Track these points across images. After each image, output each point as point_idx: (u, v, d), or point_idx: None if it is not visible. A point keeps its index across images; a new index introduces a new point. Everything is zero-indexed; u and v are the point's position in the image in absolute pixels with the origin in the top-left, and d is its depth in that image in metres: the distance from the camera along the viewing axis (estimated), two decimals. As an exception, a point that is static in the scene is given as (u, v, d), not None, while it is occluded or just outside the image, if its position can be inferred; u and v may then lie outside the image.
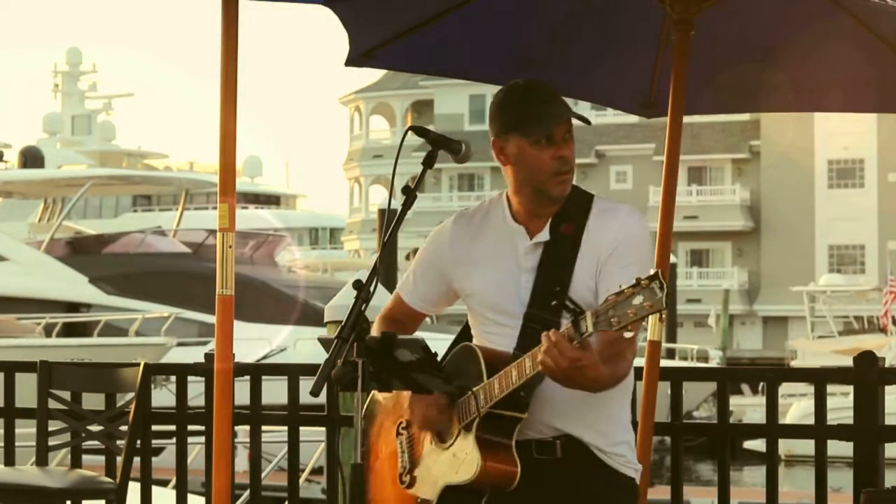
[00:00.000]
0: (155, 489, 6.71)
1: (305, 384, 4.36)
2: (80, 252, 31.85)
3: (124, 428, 6.14)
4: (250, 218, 58.23)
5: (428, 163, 3.99)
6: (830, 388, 5.83)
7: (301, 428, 6.27)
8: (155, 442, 6.60)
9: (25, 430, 6.84)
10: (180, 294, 29.62)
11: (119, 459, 6.14)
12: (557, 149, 4.03)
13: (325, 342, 3.84)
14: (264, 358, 23.21)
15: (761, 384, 40.08)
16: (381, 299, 4.28)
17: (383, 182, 75.06)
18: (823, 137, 66.50)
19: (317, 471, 15.18)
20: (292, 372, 6.18)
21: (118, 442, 6.19)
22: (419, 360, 3.77)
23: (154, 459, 6.59)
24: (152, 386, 6.43)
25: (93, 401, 6.50)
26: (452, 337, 4.18)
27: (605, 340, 3.79)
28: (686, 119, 5.31)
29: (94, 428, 6.31)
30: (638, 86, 5.49)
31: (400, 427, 4.10)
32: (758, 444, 27.69)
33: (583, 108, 77.37)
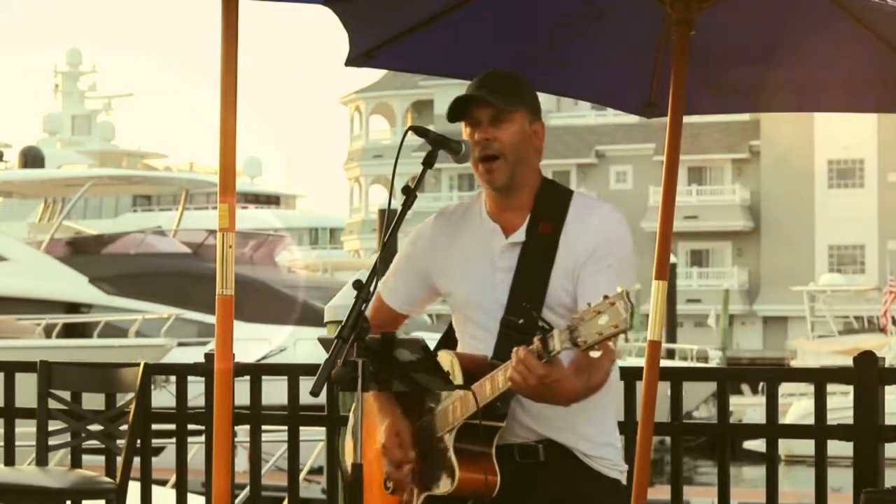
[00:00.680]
0: (155, 489, 6.71)
1: (305, 384, 4.36)
2: (80, 252, 31.85)
3: (124, 428, 6.14)
4: (250, 218, 58.25)
5: (428, 163, 3.98)
6: (830, 388, 5.83)
7: (301, 428, 6.27)
8: (155, 442, 6.60)
9: (25, 430, 6.84)
10: (180, 294, 29.62)
11: (119, 459, 6.14)
12: (481, 131, 3.98)
13: (325, 342, 3.84)
14: (264, 358, 23.20)
15: (761, 384, 40.09)
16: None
17: (383, 182, 75.09)
18: (823, 137, 66.51)
19: (316, 471, 15.19)
20: (292, 372, 6.18)
21: (118, 442, 6.20)
22: (419, 360, 3.77)
23: (154, 459, 6.59)
24: (152, 386, 6.43)
25: (93, 401, 6.51)
26: None
27: (579, 353, 3.74)
28: (686, 119, 5.31)
29: (94, 428, 6.31)
30: (638, 86, 5.48)
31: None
32: (758, 444, 27.68)
33: (583, 107, 77.36)
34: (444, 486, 3.88)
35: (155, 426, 6.55)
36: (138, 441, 6.21)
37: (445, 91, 70.01)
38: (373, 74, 72.64)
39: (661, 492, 7.91)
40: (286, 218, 66.90)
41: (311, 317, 28.08)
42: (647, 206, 66.15)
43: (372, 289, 3.77)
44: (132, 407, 6.13)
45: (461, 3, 5.07)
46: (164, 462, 9.19)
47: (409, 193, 3.92)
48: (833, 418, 5.56)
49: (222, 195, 4.48)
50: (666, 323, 11.64)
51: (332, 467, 6.36)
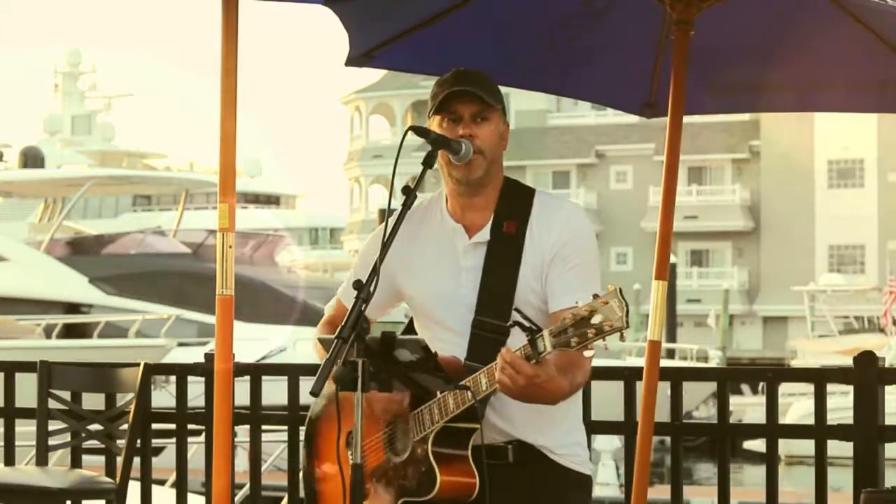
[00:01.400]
0: (155, 489, 6.71)
1: (305, 384, 4.35)
2: (80, 252, 31.83)
3: (124, 428, 6.14)
4: (250, 218, 58.23)
5: (428, 163, 3.98)
6: (830, 388, 5.83)
7: (301, 428, 6.27)
8: (155, 442, 6.60)
9: (25, 430, 6.84)
10: (180, 294, 29.61)
11: (119, 459, 6.14)
12: (464, 127, 3.98)
13: (325, 342, 3.84)
14: (264, 358, 23.19)
15: (761, 384, 40.09)
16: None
17: (383, 182, 75.06)
18: (823, 137, 66.50)
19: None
20: (292, 372, 6.18)
21: (118, 442, 6.19)
22: (419, 360, 3.76)
23: (154, 459, 6.59)
24: (152, 387, 6.43)
25: (93, 401, 6.51)
26: None
27: (560, 352, 3.74)
28: (686, 119, 5.31)
29: (94, 428, 6.31)
30: (638, 86, 5.49)
31: (349, 436, 3.98)
32: (758, 444, 27.68)
33: (583, 107, 77.26)
34: (424, 491, 3.87)
35: (155, 426, 6.55)
36: (138, 441, 6.21)
37: (445, 91, 69.80)
38: (373, 74, 72.63)
39: (661, 492, 7.91)
40: (286, 218, 66.87)
41: (311, 317, 28.06)
42: (647, 206, 66.14)
43: (372, 289, 3.77)
44: (132, 407, 6.13)
45: (461, 3, 5.07)
46: (164, 462, 9.19)
47: (409, 193, 3.91)
48: (833, 418, 5.55)
49: (222, 195, 4.48)
50: (666, 323, 11.65)
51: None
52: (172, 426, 6.50)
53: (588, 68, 5.44)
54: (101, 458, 6.46)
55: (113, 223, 57.64)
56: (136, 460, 6.25)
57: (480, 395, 3.80)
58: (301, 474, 4.27)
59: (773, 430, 5.65)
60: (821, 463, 5.54)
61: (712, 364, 39.13)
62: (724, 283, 65.68)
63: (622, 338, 3.62)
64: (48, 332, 25.96)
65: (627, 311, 3.56)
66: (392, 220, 3.92)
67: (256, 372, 6.29)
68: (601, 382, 5.46)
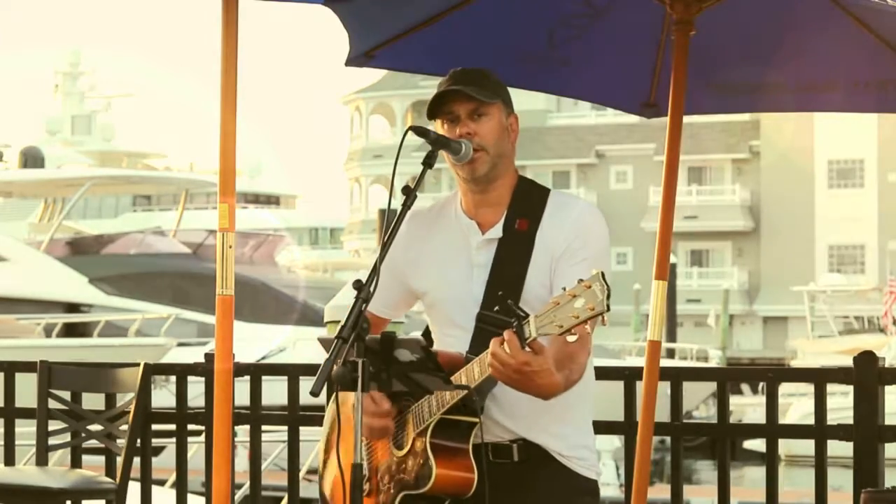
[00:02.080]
0: (155, 489, 6.71)
1: (305, 384, 4.35)
2: (80, 252, 31.85)
3: (124, 428, 6.14)
4: (250, 218, 58.25)
5: (428, 163, 3.98)
6: (830, 388, 5.83)
7: (300, 428, 6.27)
8: (155, 441, 6.60)
9: (25, 430, 6.84)
10: (180, 294, 29.63)
11: (119, 459, 6.14)
12: (462, 126, 3.98)
13: (325, 342, 3.83)
14: (264, 358, 23.20)
15: (761, 384, 40.09)
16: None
17: (383, 182, 75.09)
18: (823, 137, 66.52)
19: (316, 470, 15.20)
20: (292, 372, 6.18)
21: (118, 442, 6.19)
22: (419, 360, 3.76)
23: (154, 459, 6.59)
24: (152, 386, 6.44)
25: (93, 401, 6.51)
26: None
27: (559, 345, 3.74)
28: (686, 119, 5.31)
29: (94, 428, 6.31)
30: (638, 86, 5.49)
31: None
32: (758, 444, 27.69)
33: (583, 107, 77.24)
34: (420, 484, 3.86)
35: (155, 426, 6.55)
36: (138, 441, 6.21)
37: (445, 91, 69.85)
38: (373, 74, 72.63)
39: (661, 492, 7.91)
40: (286, 218, 66.90)
41: (311, 317, 28.08)
42: (647, 206, 66.15)
43: (372, 289, 3.76)
44: (132, 407, 6.13)
45: (461, 3, 5.07)
46: (164, 462, 9.19)
47: (409, 193, 3.91)
48: (833, 418, 5.55)
49: (222, 195, 4.48)
50: (666, 323, 11.65)
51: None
52: (172, 426, 6.50)
53: (588, 68, 5.44)
54: (101, 458, 6.46)
55: (113, 223, 57.69)
56: (136, 460, 6.25)
57: (474, 384, 3.79)
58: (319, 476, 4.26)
59: (773, 430, 5.65)
60: (821, 463, 5.54)
61: (712, 364, 39.14)
62: (724, 283, 65.71)
63: (603, 321, 3.59)
64: (48, 332, 25.97)
65: (609, 295, 3.53)
66: (394, 220, 3.92)
67: (256, 372, 6.28)
68: (601, 382, 5.43)
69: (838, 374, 5.61)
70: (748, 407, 38.29)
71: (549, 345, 3.73)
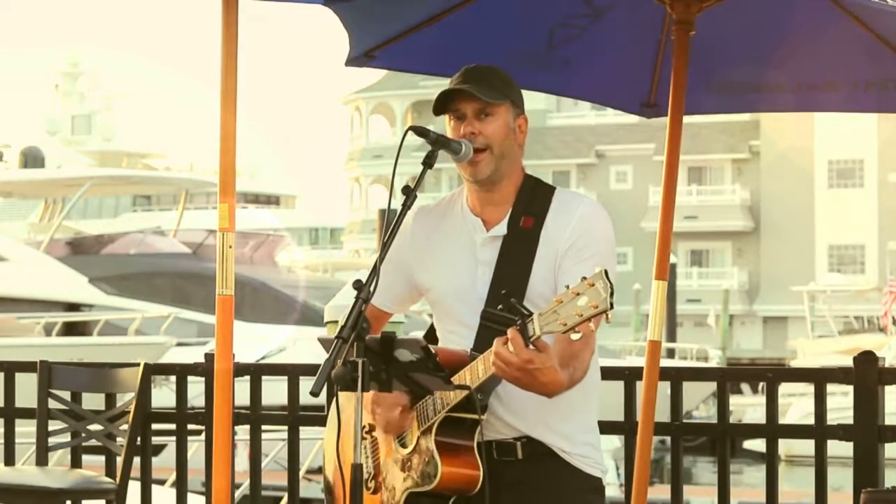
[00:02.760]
0: (155, 488, 6.72)
1: (305, 384, 4.35)
2: (80, 252, 31.85)
3: (124, 428, 6.14)
4: (250, 218, 58.25)
5: (428, 163, 3.98)
6: (830, 388, 5.83)
7: (300, 428, 6.27)
8: (155, 440, 6.60)
9: (25, 430, 6.84)
10: (180, 294, 29.63)
11: (119, 459, 6.14)
12: (467, 125, 3.98)
13: (324, 342, 3.83)
14: (264, 358, 23.21)
15: (761, 384, 40.10)
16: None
17: (383, 182, 75.09)
18: (823, 137, 66.51)
19: (316, 470, 15.20)
20: (292, 372, 6.18)
21: (118, 442, 6.19)
22: (419, 360, 3.76)
23: (154, 459, 6.59)
24: (152, 385, 6.44)
25: (93, 401, 6.51)
26: None
27: (563, 343, 3.74)
28: (686, 119, 5.31)
29: (94, 428, 6.31)
30: (638, 86, 5.49)
31: (363, 431, 4.00)
32: (758, 444, 27.70)
33: (583, 107, 77.15)
34: (426, 482, 3.86)
35: (155, 426, 6.55)
36: (138, 441, 6.21)
37: (445, 91, 69.89)
38: (373, 74, 72.64)
39: (661, 492, 7.91)
40: (286, 218, 66.91)
41: (311, 317, 28.09)
42: (647, 206, 66.16)
43: (372, 289, 3.76)
44: (132, 407, 6.13)
45: (461, 3, 5.07)
46: (164, 461, 9.19)
47: (409, 193, 3.91)
48: (833, 418, 5.55)
49: (222, 195, 4.48)
50: (666, 323, 11.65)
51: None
52: (172, 426, 6.50)
53: (588, 68, 5.44)
54: (101, 458, 6.46)
55: (113, 223, 57.70)
56: (136, 460, 6.25)
57: (477, 383, 3.79)
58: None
59: (773, 430, 5.65)
60: (821, 463, 5.54)
61: (712, 364, 39.13)
62: (724, 283, 65.73)
63: (608, 319, 3.60)
64: (48, 331, 25.97)
65: (612, 293, 3.53)
66: (394, 220, 3.92)
67: (256, 372, 6.28)
68: (601, 382, 5.45)
69: (838, 374, 5.61)
70: (748, 407, 38.31)
71: (554, 343, 3.73)
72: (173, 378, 6.52)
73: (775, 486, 5.62)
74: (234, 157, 4.51)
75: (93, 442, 6.31)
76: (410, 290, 4.18)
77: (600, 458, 4.08)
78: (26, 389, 6.56)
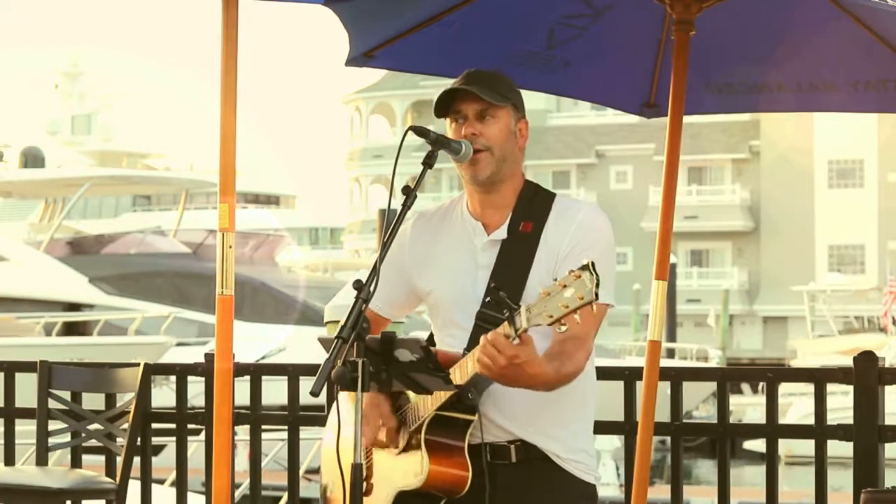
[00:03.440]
0: (155, 488, 6.72)
1: (305, 384, 4.35)
2: (80, 252, 31.85)
3: (124, 427, 6.14)
4: (250, 218, 58.24)
5: (428, 163, 3.98)
6: (830, 388, 5.83)
7: (300, 428, 6.27)
8: (154, 440, 6.60)
9: (25, 430, 6.83)
10: (180, 294, 29.63)
11: (119, 459, 6.14)
12: (468, 126, 3.98)
13: (325, 342, 3.83)
14: (264, 358, 23.20)
15: (761, 384, 40.09)
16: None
17: (383, 182, 75.07)
18: (823, 137, 66.50)
19: (315, 470, 15.21)
20: (292, 372, 6.18)
21: (118, 441, 6.19)
22: (419, 360, 3.76)
23: (154, 459, 6.59)
24: (152, 385, 6.44)
25: (93, 401, 6.50)
26: None
27: (554, 342, 3.75)
28: (686, 119, 5.31)
29: (94, 428, 6.31)
30: (638, 86, 5.49)
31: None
32: (758, 444, 27.69)
33: (583, 107, 77.14)
34: (414, 480, 3.86)
35: (155, 426, 6.55)
36: (138, 441, 6.21)
37: (445, 91, 69.88)
38: (373, 74, 72.64)
39: (661, 492, 7.91)
40: (286, 218, 66.89)
41: (311, 317, 28.09)
42: (647, 206, 66.14)
43: (372, 289, 3.76)
44: (132, 407, 6.13)
45: (461, 3, 5.07)
46: (164, 461, 9.19)
47: (409, 193, 3.91)
48: (833, 418, 5.55)
49: (222, 195, 4.48)
50: (666, 323, 11.65)
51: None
52: (172, 426, 6.50)
53: (588, 68, 5.44)
54: (101, 458, 6.46)
55: (113, 223, 57.66)
56: (136, 460, 6.25)
57: (466, 379, 3.78)
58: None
59: (773, 430, 5.65)
60: (821, 463, 5.54)
61: (712, 364, 39.13)
62: (724, 283, 65.72)
63: (592, 309, 3.58)
64: (48, 331, 25.97)
65: (598, 284, 3.53)
66: (394, 220, 3.92)
67: (256, 372, 6.28)
68: (601, 382, 5.45)
69: (838, 374, 5.61)
70: (748, 407, 38.29)
71: (548, 340, 3.73)
72: (173, 378, 6.52)
73: (775, 486, 5.62)
74: (234, 157, 4.51)
75: (93, 442, 6.31)
76: (410, 295, 4.18)
77: (594, 464, 4.08)
78: (26, 389, 6.57)
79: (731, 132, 69.14)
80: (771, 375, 5.71)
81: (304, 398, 4.92)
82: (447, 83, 4.12)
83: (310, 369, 5.90)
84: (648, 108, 5.55)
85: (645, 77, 5.44)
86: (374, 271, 3.81)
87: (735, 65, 5.36)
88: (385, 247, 3.87)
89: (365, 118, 77.22)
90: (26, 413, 6.56)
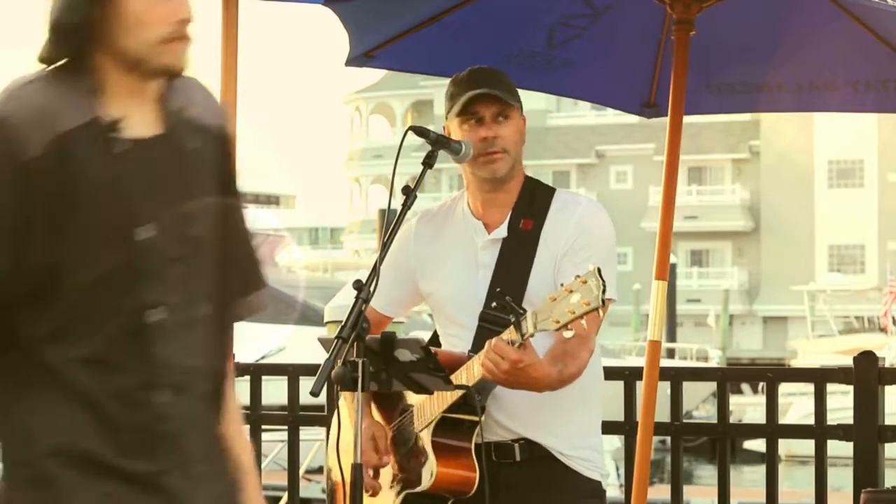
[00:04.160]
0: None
1: (305, 384, 4.35)
2: (80, 252, 31.84)
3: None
4: (250, 218, 58.17)
5: (428, 163, 3.98)
6: (830, 388, 5.83)
7: (300, 428, 6.26)
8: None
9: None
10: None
11: (119, 459, 6.12)
12: (486, 128, 3.98)
13: (325, 342, 3.83)
14: (264, 358, 23.19)
15: (761, 384, 40.10)
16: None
17: (383, 182, 75.10)
18: (823, 137, 66.53)
19: (315, 470, 15.20)
20: (292, 372, 6.18)
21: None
22: (419, 360, 3.76)
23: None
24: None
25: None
26: None
27: (557, 341, 3.76)
28: (686, 119, 5.31)
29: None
30: (638, 86, 5.49)
31: None
32: (758, 444, 27.69)
33: (583, 107, 77.24)
34: (422, 482, 3.87)
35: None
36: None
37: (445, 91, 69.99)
38: (373, 74, 72.67)
39: (661, 492, 7.91)
40: (286, 218, 66.92)
41: (311, 317, 28.06)
42: (647, 206, 66.16)
43: (372, 289, 3.76)
44: (132, 407, 6.12)
45: (461, 3, 5.08)
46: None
47: (409, 193, 3.91)
48: (833, 418, 5.55)
49: (222, 195, 4.47)
50: (666, 323, 11.65)
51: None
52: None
53: (588, 68, 5.44)
54: (101, 458, 6.44)
55: (113, 223, 57.58)
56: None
57: (473, 381, 3.79)
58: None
59: (773, 430, 5.65)
60: (821, 463, 5.54)
61: (712, 364, 39.14)
62: (724, 283, 65.73)
63: (601, 314, 3.59)
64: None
65: (604, 290, 3.54)
66: (394, 220, 3.92)
67: (256, 372, 6.28)
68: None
69: (838, 374, 5.61)
70: (748, 407, 38.27)
71: (550, 338, 3.74)
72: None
73: (775, 486, 5.62)
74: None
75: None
76: (412, 294, 4.19)
77: (601, 460, 4.06)
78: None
79: (731, 132, 69.16)
80: (771, 375, 5.71)
81: (305, 398, 4.92)
82: (447, 83, 4.11)
83: (310, 369, 5.89)
84: (648, 108, 5.55)
85: (645, 77, 5.44)
86: (374, 271, 3.80)
87: (735, 65, 5.36)
88: (385, 247, 3.87)
89: (365, 118, 77.26)
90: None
